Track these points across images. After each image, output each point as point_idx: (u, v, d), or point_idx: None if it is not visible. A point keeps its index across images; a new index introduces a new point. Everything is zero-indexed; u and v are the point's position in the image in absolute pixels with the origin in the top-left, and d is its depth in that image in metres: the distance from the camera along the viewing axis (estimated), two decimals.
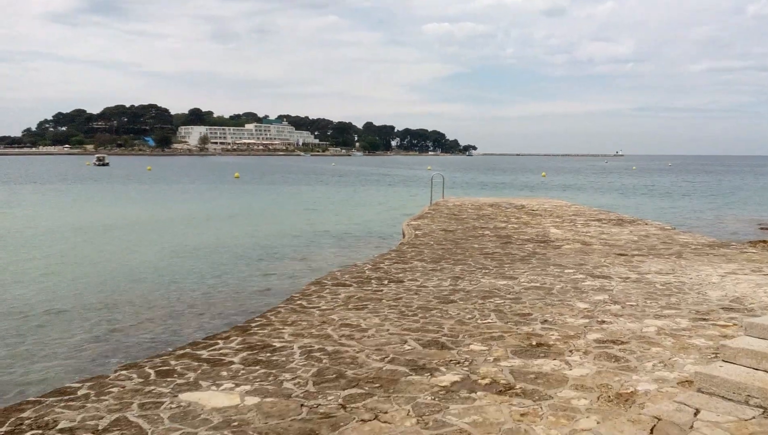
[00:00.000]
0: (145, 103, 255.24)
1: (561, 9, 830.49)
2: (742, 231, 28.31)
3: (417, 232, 16.43)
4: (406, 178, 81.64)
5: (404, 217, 22.78)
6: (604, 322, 7.50)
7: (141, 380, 5.65)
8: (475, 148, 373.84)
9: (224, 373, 5.82)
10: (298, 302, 8.71)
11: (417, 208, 28.05)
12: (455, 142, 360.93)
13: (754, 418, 4.38)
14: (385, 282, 10.01)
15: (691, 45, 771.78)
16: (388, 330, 7.21)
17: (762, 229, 29.76)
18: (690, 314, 7.86)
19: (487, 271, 10.97)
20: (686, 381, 5.45)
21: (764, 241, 23.34)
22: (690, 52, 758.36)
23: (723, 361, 4.59)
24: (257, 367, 5.97)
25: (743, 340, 4.60)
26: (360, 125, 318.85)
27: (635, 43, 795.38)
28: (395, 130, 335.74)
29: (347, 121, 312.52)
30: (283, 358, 6.23)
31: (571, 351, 6.38)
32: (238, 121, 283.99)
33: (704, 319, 7.60)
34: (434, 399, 5.16)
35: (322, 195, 48.33)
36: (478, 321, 7.57)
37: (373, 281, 10.09)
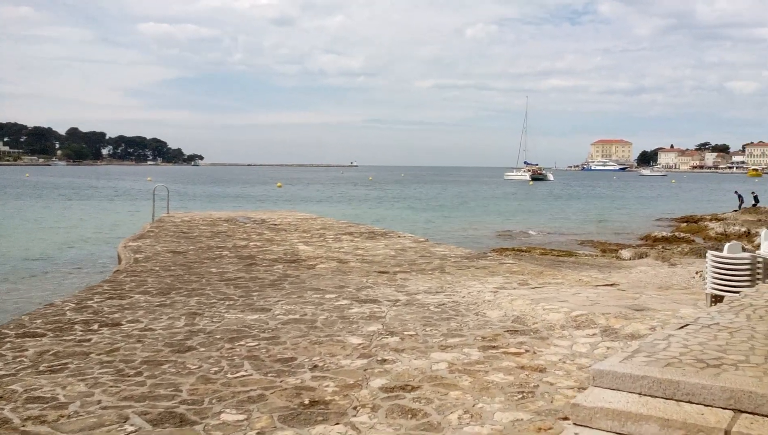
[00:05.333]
0: None
1: (291, 19, 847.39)
2: (484, 239, 30.65)
3: (137, 256, 14.43)
4: (121, 190, 76.05)
5: (120, 238, 20.31)
6: (385, 360, 6.64)
7: None
8: (201, 157, 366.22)
9: None
10: None
11: (136, 226, 25.49)
12: (179, 151, 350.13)
13: None
14: (95, 326, 8.13)
15: (419, 63, 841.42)
16: (99, 402, 5.52)
17: (499, 235, 32.76)
18: (477, 342, 7.37)
19: (231, 302, 9.62)
20: None
21: (506, 249, 25.46)
22: (418, 69, 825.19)
23: (575, 424, 3.86)
24: None
25: (596, 394, 3.90)
26: (63, 131, 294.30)
27: (366, 57, 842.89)
28: (107, 138, 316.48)
29: (46, 127, 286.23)
30: None
31: (355, 408, 5.35)
32: None
33: (493, 347, 7.15)
34: None
35: (6, 213, 42.30)
36: (228, 375, 6.22)
37: (77, 327, 8.13)
